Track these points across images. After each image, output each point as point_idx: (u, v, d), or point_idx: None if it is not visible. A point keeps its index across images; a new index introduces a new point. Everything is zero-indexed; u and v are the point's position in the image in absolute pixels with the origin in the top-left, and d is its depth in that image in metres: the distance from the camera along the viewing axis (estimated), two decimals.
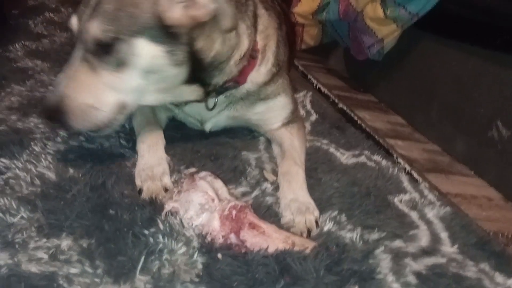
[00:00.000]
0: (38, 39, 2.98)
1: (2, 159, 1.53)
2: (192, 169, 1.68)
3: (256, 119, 1.95)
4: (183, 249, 1.29)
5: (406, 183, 1.93)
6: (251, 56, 1.76)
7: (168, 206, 1.41)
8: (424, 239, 1.57)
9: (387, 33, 2.67)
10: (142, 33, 1.41)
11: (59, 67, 2.46)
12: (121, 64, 1.44)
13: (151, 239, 1.29)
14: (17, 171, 1.49)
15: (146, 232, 1.31)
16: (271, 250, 1.31)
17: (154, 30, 1.42)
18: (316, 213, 1.54)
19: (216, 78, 1.68)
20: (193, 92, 1.67)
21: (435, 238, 1.59)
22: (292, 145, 1.88)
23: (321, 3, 3.14)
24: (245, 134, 2.08)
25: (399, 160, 2.14)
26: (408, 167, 2.07)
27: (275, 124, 1.97)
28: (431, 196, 1.85)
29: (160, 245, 1.28)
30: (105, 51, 1.42)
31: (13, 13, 3.46)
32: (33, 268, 1.13)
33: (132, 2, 1.40)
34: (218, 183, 1.50)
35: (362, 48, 2.84)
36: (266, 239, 1.33)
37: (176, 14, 1.43)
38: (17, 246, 1.19)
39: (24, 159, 1.56)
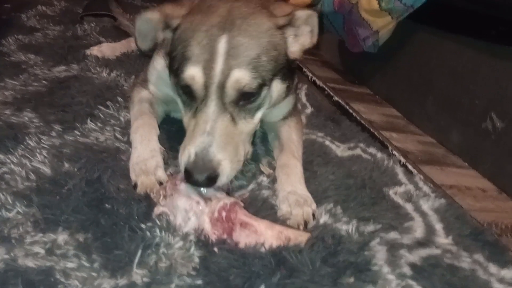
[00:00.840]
0: (31, 32, 2.97)
1: None
2: (172, 170, 1.63)
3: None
4: (180, 243, 1.29)
5: (401, 175, 1.94)
6: None
7: (158, 210, 1.38)
8: (419, 231, 1.58)
9: (382, 25, 2.67)
10: (277, 74, 1.43)
11: (52, 60, 2.48)
12: (256, 109, 1.45)
13: (148, 233, 1.29)
14: (12, 166, 1.48)
15: (143, 226, 1.31)
16: (266, 247, 1.31)
17: (284, 68, 1.46)
18: (314, 206, 1.55)
19: None
20: None
21: (429, 230, 1.60)
22: (290, 138, 1.88)
23: None
24: None
25: (394, 152, 2.15)
26: (403, 159, 2.08)
27: (276, 118, 1.96)
28: (426, 188, 1.86)
29: (157, 239, 1.28)
30: (250, 99, 1.40)
31: (5, 7, 3.43)
32: (30, 263, 1.14)
33: (271, 44, 1.39)
34: None
35: (357, 41, 2.84)
36: (259, 238, 1.33)
37: (295, 48, 1.48)
38: (13, 241, 1.19)
39: (19, 153, 1.55)
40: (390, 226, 1.55)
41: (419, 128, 2.66)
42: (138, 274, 1.17)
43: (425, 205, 1.74)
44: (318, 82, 2.96)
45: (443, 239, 1.56)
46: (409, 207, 1.72)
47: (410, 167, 2.04)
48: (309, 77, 3.06)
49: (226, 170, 1.36)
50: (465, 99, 2.39)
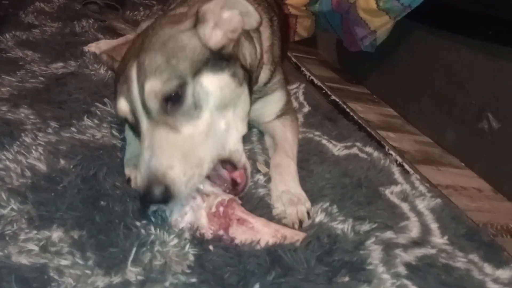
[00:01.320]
0: (28, 29, 2.96)
1: None
2: None
3: (254, 115, 1.90)
4: (175, 241, 1.28)
5: (397, 174, 1.94)
6: None
7: (153, 207, 1.36)
8: (414, 230, 1.58)
9: (379, 24, 2.67)
10: (202, 70, 1.38)
11: (50, 57, 2.47)
12: (197, 109, 1.36)
13: (143, 231, 1.29)
14: (8, 162, 1.48)
15: (137, 223, 1.31)
16: (261, 245, 1.31)
17: (210, 62, 1.40)
18: (308, 204, 1.55)
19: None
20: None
21: (425, 229, 1.60)
22: (284, 137, 1.88)
23: None
24: None
25: (391, 151, 2.15)
26: (399, 159, 2.08)
27: (269, 117, 1.96)
28: (422, 188, 1.86)
29: (152, 237, 1.28)
30: (177, 103, 1.33)
31: (3, 3, 3.42)
32: (24, 260, 1.13)
33: (177, 47, 1.36)
34: None
35: (355, 40, 2.84)
36: (255, 235, 1.33)
37: (217, 37, 1.42)
38: (7, 238, 1.19)
39: (15, 150, 1.55)
40: (385, 226, 1.55)
41: (415, 128, 2.66)
42: (133, 272, 1.17)
43: (421, 205, 1.74)
44: (315, 81, 2.96)
45: (438, 239, 1.56)
46: (405, 206, 1.72)
47: (406, 166, 2.04)
48: (307, 76, 3.06)
49: (178, 178, 1.27)
50: (461, 98, 2.39)
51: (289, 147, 1.82)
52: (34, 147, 1.58)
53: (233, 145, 1.47)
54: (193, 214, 1.35)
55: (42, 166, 1.50)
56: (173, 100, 1.32)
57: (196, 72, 1.36)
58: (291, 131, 1.93)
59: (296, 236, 1.36)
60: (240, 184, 1.47)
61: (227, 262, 1.24)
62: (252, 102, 1.68)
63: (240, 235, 1.33)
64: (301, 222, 1.47)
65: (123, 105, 1.38)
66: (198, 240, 1.30)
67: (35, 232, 1.22)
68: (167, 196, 1.26)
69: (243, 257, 1.26)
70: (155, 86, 1.30)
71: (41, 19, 3.23)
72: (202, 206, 1.35)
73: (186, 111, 1.34)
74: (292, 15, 3.28)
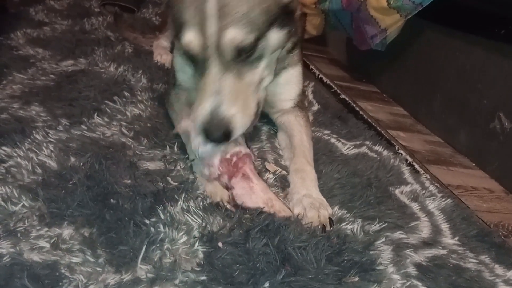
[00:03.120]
0: (39, 26, 2.97)
1: (4, 148, 1.53)
2: None
3: (274, 93, 1.91)
4: (184, 238, 1.29)
5: (407, 174, 1.93)
6: None
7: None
8: (425, 231, 1.57)
9: (390, 23, 2.65)
10: (273, 24, 1.44)
11: (60, 55, 2.49)
12: (258, 59, 1.47)
13: (152, 229, 1.29)
14: (19, 159, 1.49)
15: (147, 221, 1.32)
16: (250, 205, 1.43)
17: (280, 15, 1.45)
18: (329, 209, 1.53)
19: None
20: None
21: (436, 230, 1.59)
22: (301, 140, 1.86)
23: None
24: None
25: (401, 151, 2.14)
26: (409, 159, 2.07)
27: (288, 102, 1.96)
28: (432, 188, 1.85)
29: (161, 235, 1.28)
30: (247, 54, 1.41)
31: (14, 1, 3.44)
32: (35, 257, 1.14)
33: None
34: None
35: (365, 38, 2.82)
36: (250, 195, 1.45)
37: None
38: (19, 234, 1.20)
39: (26, 147, 1.56)
40: (395, 226, 1.55)
41: (426, 128, 2.64)
42: (143, 270, 1.17)
43: (432, 205, 1.73)
44: (325, 79, 2.95)
45: (449, 240, 1.55)
46: (415, 206, 1.71)
47: (416, 166, 2.03)
48: (316, 74, 3.05)
49: (239, 123, 1.42)
50: (473, 98, 2.37)
51: (308, 152, 1.81)
52: (45, 144, 1.59)
53: (263, 90, 1.61)
54: (212, 147, 1.47)
55: (52, 163, 1.50)
56: (247, 50, 1.40)
57: (269, 26, 1.43)
58: (306, 132, 1.92)
59: (283, 212, 1.45)
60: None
61: (237, 260, 1.25)
62: (276, 73, 1.77)
63: (238, 188, 1.47)
64: (324, 228, 1.45)
65: (194, 39, 1.39)
66: (207, 238, 1.31)
67: (46, 229, 1.23)
68: (227, 138, 1.43)
69: (252, 255, 1.26)
70: (237, 36, 1.36)
71: (51, 17, 3.24)
72: (220, 149, 1.48)
73: (252, 61, 1.45)
74: (302, 13, 3.26)
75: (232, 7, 1.35)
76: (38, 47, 2.59)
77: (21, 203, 1.29)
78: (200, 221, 1.37)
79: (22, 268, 1.09)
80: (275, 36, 1.49)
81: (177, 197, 1.45)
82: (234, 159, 1.50)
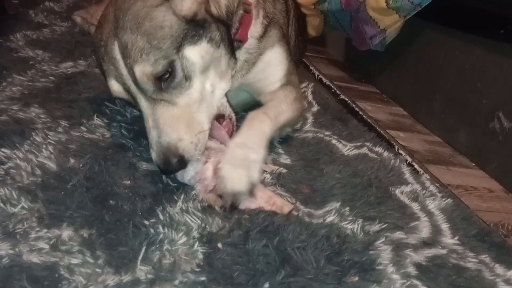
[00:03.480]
0: (38, 28, 2.97)
1: (3, 149, 1.53)
2: None
3: (258, 80, 1.90)
4: (184, 239, 1.29)
5: (407, 174, 1.93)
6: (245, 11, 1.75)
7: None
8: (425, 231, 1.57)
9: (389, 23, 2.65)
10: (183, 43, 1.43)
11: (60, 56, 2.48)
12: (187, 80, 1.47)
13: (152, 230, 1.29)
14: (18, 161, 1.48)
15: (146, 222, 1.32)
16: (252, 206, 1.44)
17: (189, 33, 1.45)
18: (254, 170, 1.47)
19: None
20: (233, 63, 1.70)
21: (436, 230, 1.59)
22: (275, 104, 1.82)
23: None
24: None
25: (401, 151, 2.14)
26: (409, 159, 2.07)
27: (274, 84, 1.92)
28: (432, 188, 1.85)
29: (161, 236, 1.28)
30: (169, 79, 1.42)
31: (13, 2, 3.43)
32: (35, 259, 1.13)
33: (155, 26, 1.39)
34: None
35: (364, 39, 2.83)
36: (250, 197, 1.45)
37: (187, 4, 1.44)
38: (18, 236, 1.19)
39: (25, 149, 1.55)
40: (395, 226, 1.54)
41: (426, 127, 2.65)
42: (142, 271, 1.17)
43: (432, 205, 1.73)
44: (324, 80, 2.95)
45: (449, 239, 1.55)
46: (415, 206, 1.71)
47: (416, 166, 2.03)
48: (316, 75, 3.05)
49: (187, 146, 1.44)
50: (473, 98, 2.37)
51: (275, 111, 1.76)
52: (44, 146, 1.59)
53: (219, 100, 1.60)
54: (197, 166, 1.48)
55: (52, 165, 1.50)
56: (165, 78, 1.42)
57: (179, 47, 1.43)
58: (288, 103, 1.87)
59: (285, 207, 1.47)
60: (228, 131, 1.62)
61: (236, 261, 1.25)
62: (251, 62, 1.81)
63: None
64: (233, 204, 1.44)
65: (115, 87, 1.46)
66: (207, 238, 1.31)
67: (45, 230, 1.23)
68: (184, 164, 1.44)
69: (252, 255, 1.26)
70: (145, 69, 1.38)
71: (51, 19, 3.24)
72: (210, 161, 1.48)
73: (178, 84, 1.45)
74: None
75: (131, 47, 1.38)
76: (37, 49, 2.59)
77: (20, 205, 1.29)
78: (199, 222, 1.37)
79: (21, 270, 1.08)
80: (194, 53, 1.47)
81: (176, 198, 1.45)
82: None
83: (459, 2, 2.40)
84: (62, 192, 1.38)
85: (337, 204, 1.59)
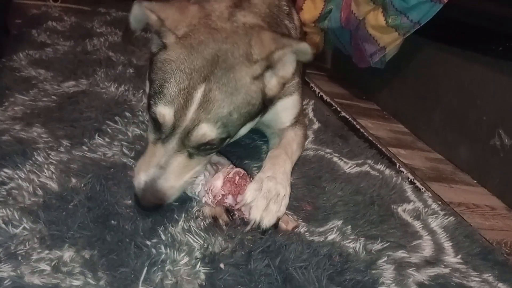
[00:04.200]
0: (41, 48, 2.98)
1: (5, 170, 1.53)
2: None
3: (270, 119, 1.89)
4: (186, 259, 1.29)
5: (409, 192, 1.93)
6: None
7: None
8: (427, 249, 1.57)
9: (389, 41, 2.67)
10: (247, 122, 1.44)
11: (62, 76, 2.49)
12: (219, 147, 1.47)
13: (154, 250, 1.29)
14: (20, 181, 1.48)
15: (148, 242, 1.32)
16: None
17: (260, 111, 1.46)
18: (283, 206, 1.50)
19: None
20: None
21: (438, 248, 1.58)
22: (289, 143, 1.85)
23: (323, 11, 3.14)
24: (248, 142, 2.08)
25: (402, 169, 2.13)
26: (411, 176, 2.07)
27: (284, 124, 1.95)
28: (434, 206, 1.85)
29: (163, 256, 1.28)
30: (210, 146, 1.41)
31: (16, 22, 3.47)
32: (36, 280, 1.14)
33: (246, 101, 1.37)
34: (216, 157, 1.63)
35: (364, 56, 2.85)
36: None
37: (274, 85, 1.45)
38: (20, 258, 1.19)
39: (27, 169, 1.56)
40: (398, 245, 1.54)
41: (427, 145, 2.64)
42: None
43: (434, 223, 1.73)
44: (325, 97, 2.96)
45: (452, 258, 1.54)
46: (417, 225, 1.71)
47: (418, 184, 2.03)
48: (316, 92, 3.06)
49: (172, 196, 1.42)
50: (473, 115, 2.38)
51: (291, 150, 1.80)
52: (46, 166, 1.59)
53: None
54: (206, 178, 1.51)
55: (53, 185, 1.50)
56: (211, 146, 1.41)
57: (243, 125, 1.43)
58: (297, 143, 1.91)
59: (290, 223, 1.50)
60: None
61: (239, 281, 1.25)
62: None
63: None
64: (259, 225, 1.44)
65: (169, 116, 1.34)
66: (209, 259, 1.31)
67: (47, 251, 1.23)
68: (158, 209, 1.42)
69: (254, 276, 1.26)
70: (209, 133, 1.35)
71: (53, 38, 3.26)
72: (221, 171, 1.52)
73: (212, 149, 1.45)
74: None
75: (215, 106, 1.33)
76: (40, 68, 2.60)
77: (22, 226, 1.29)
78: (202, 242, 1.37)
79: None
80: (245, 130, 1.50)
81: (177, 217, 1.45)
82: (237, 178, 1.52)
83: (457, 19, 2.42)
84: (64, 213, 1.38)
85: (339, 222, 1.60)
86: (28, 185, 1.47)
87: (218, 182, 1.50)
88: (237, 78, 1.34)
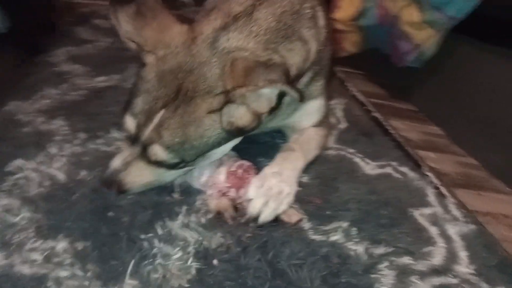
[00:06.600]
0: (81, 44, 3.08)
1: (18, 160, 1.59)
2: None
3: (291, 122, 1.88)
4: (179, 254, 1.30)
5: (431, 197, 1.82)
6: None
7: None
8: (438, 257, 1.47)
9: (424, 38, 2.56)
10: (213, 147, 1.41)
11: (95, 71, 2.56)
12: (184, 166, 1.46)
13: (146, 243, 1.30)
14: (29, 172, 1.53)
15: (142, 236, 1.33)
16: None
17: (222, 140, 1.41)
18: (285, 204, 1.48)
19: None
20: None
21: (451, 257, 1.49)
22: (307, 140, 1.81)
23: (360, 8, 3.05)
24: (267, 140, 2.04)
25: (428, 173, 2.02)
26: (436, 181, 1.96)
27: (306, 126, 1.89)
28: (455, 212, 1.74)
29: (155, 250, 1.29)
30: (167, 165, 1.41)
31: (65, 20, 3.60)
32: (26, 270, 1.17)
33: (197, 134, 1.35)
34: None
35: (400, 55, 2.74)
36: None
37: (243, 120, 1.38)
38: (13, 246, 1.23)
39: (38, 160, 1.61)
40: (405, 250, 1.46)
41: (462, 149, 2.50)
42: (130, 285, 1.18)
43: (452, 230, 1.62)
44: (358, 96, 2.87)
45: (463, 268, 1.45)
46: (433, 230, 1.61)
47: (442, 189, 1.92)
48: (351, 91, 2.98)
49: (132, 189, 1.43)
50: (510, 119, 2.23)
51: (307, 148, 1.76)
52: (57, 158, 1.64)
53: None
54: (211, 170, 1.52)
55: (61, 176, 1.54)
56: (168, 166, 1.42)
57: (200, 155, 1.41)
58: (317, 141, 1.86)
59: (294, 216, 1.49)
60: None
61: (228, 277, 1.25)
62: (292, 108, 1.75)
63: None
64: (255, 218, 1.43)
65: (131, 126, 1.39)
66: (202, 254, 1.30)
67: (41, 241, 1.26)
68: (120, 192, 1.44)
69: (244, 270, 1.26)
70: (160, 154, 1.36)
71: (95, 35, 3.35)
72: (224, 165, 1.52)
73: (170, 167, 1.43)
74: (338, 30, 3.22)
75: (168, 132, 1.33)
76: (76, 63, 2.68)
77: (21, 215, 1.33)
78: (198, 237, 1.36)
79: (8, 280, 1.12)
80: (217, 153, 1.46)
81: (178, 210, 1.46)
82: (240, 171, 1.52)
83: (496, 15, 2.27)
84: (65, 204, 1.41)
85: (345, 223, 1.54)
86: (36, 175, 1.52)
87: (221, 177, 1.50)
88: (191, 111, 1.32)
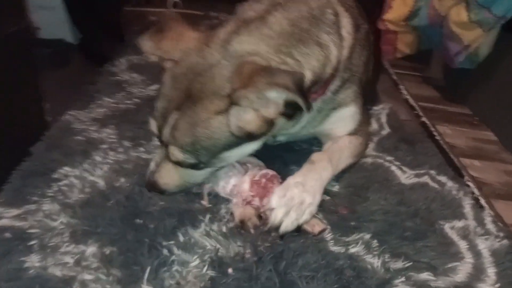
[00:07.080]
0: (142, 53, 3.23)
1: (66, 167, 1.73)
2: None
3: (325, 129, 1.87)
4: (196, 262, 1.37)
5: (467, 209, 1.76)
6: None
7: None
8: (461, 274, 1.45)
9: (473, 38, 2.45)
10: (220, 153, 1.46)
11: (151, 79, 2.67)
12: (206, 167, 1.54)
13: (166, 250, 1.39)
14: (73, 179, 1.67)
15: (164, 243, 1.42)
16: None
17: (233, 144, 1.45)
18: (307, 215, 1.50)
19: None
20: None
21: (476, 274, 1.45)
22: (339, 149, 1.79)
23: (413, 8, 2.97)
24: (304, 147, 2.06)
25: (468, 182, 1.96)
26: (476, 191, 1.89)
27: (342, 134, 1.88)
28: (490, 226, 1.68)
29: (173, 257, 1.37)
30: (189, 165, 1.50)
31: (134, 29, 3.77)
32: (57, 272, 1.30)
33: (205, 135, 1.40)
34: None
35: (450, 56, 2.65)
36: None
37: (250, 124, 1.41)
38: (49, 250, 1.36)
39: (83, 168, 1.74)
40: (427, 265, 1.45)
41: None
42: None
43: (482, 245, 1.57)
44: (410, 100, 2.81)
45: (488, 286, 1.41)
46: (463, 245, 1.57)
47: (481, 201, 1.85)
48: (403, 94, 2.92)
49: (168, 190, 1.56)
50: None
51: (337, 158, 1.74)
52: (101, 165, 1.77)
53: None
54: (237, 178, 1.57)
55: (101, 183, 1.67)
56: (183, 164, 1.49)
57: (213, 156, 1.46)
58: (351, 151, 1.84)
59: (317, 226, 1.51)
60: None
61: (240, 286, 1.30)
62: (326, 114, 1.78)
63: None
64: (277, 228, 1.46)
65: (154, 127, 1.50)
66: (218, 263, 1.37)
67: (73, 245, 1.39)
68: (160, 193, 1.58)
69: (255, 280, 1.30)
70: (177, 155, 1.45)
71: None
72: (248, 173, 1.57)
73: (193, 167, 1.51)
74: (391, 31, 3.15)
75: (180, 134, 1.40)
76: (134, 72, 2.81)
77: (60, 220, 1.46)
78: (216, 245, 1.43)
79: (41, 282, 1.25)
80: (232, 155, 1.49)
81: (201, 218, 1.54)
82: (264, 180, 1.55)
83: None
84: (100, 210, 1.53)
85: (367, 235, 1.55)
86: (79, 182, 1.66)
87: (245, 185, 1.55)
88: (199, 112, 1.38)
